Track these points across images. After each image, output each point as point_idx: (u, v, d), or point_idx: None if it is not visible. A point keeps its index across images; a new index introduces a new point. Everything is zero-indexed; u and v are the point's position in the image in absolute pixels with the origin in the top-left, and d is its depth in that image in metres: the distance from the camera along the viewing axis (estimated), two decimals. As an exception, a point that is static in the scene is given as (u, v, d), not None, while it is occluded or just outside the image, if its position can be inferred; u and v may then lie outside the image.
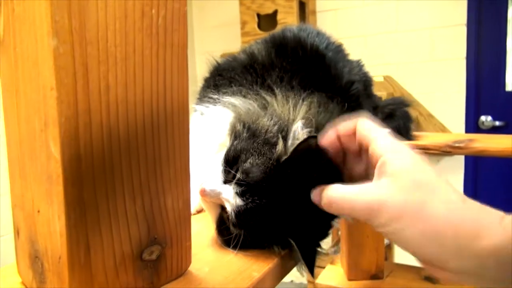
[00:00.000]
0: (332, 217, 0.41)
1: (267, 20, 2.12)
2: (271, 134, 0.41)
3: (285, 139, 0.40)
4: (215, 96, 0.54)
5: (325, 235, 0.43)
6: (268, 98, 0.49)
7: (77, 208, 0.26)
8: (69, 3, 0.24)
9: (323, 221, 0.42)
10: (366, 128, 0.37)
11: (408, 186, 0.32)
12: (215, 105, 0.53)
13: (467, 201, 0.31)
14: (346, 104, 0.53)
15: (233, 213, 0.39)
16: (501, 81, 2.03)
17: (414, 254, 0.32)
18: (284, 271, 0.40)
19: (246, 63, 0.59)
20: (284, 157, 0.39)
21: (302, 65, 0.57)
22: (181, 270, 0.34)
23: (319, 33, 0.62)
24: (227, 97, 0.52)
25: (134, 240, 0.30)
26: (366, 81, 0.65)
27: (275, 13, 2.07)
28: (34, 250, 0.29)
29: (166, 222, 0.32)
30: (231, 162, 0.41)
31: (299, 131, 0.40)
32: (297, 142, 0.38)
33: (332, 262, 1.10)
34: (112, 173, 0.28)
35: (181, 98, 0.32)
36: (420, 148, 0.93)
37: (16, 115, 0.28)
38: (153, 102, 0.30)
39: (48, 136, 0.25)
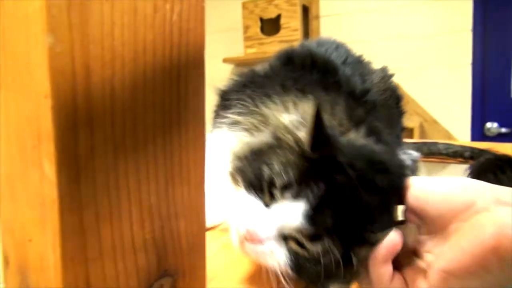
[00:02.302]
0: None
1: (270, 24, 2.09)
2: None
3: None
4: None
5: None
6: (265, 110, 0.47)
7: (75, 238, 0.22)
8: (68, -6, 0.20)
9: None
10: None
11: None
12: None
13: None
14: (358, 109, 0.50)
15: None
16: (507, 87, 2.00)
17: None
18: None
19: (244, 81, 0.56)
20: None
21: (309, 72, 0.53)
22: (194, 303, 0.30)
23: (338, 47, 0.59)
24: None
25: (142, 273, 0.25)
26: (387, 92, 0.62)
27: (278, 17, 2.04)
28: (26, 285, 0.25)
29: (178, 250, 0.28)
30: None
31: None
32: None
33: None
34: (118, 194, 0.23)
35: (197, 107, 0.28)
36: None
37: (7, 127, 0.24)
38: (165, 111, 0.26)
39: (42, 153, 0.21)
